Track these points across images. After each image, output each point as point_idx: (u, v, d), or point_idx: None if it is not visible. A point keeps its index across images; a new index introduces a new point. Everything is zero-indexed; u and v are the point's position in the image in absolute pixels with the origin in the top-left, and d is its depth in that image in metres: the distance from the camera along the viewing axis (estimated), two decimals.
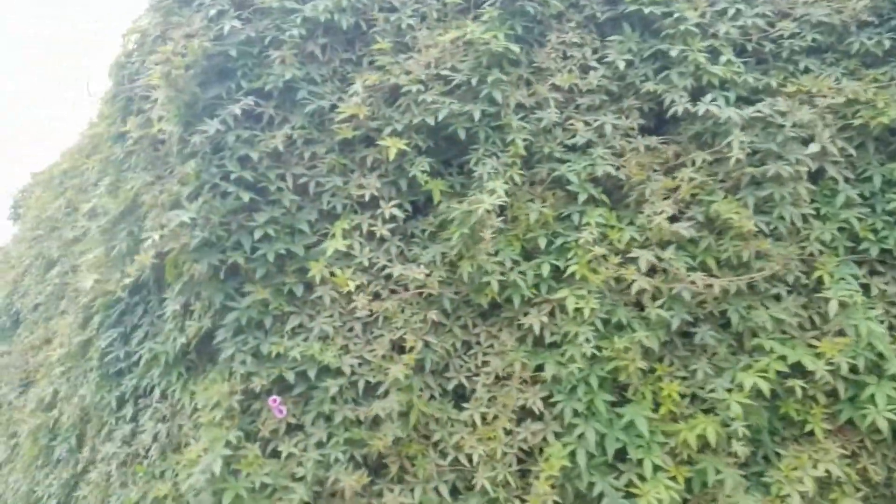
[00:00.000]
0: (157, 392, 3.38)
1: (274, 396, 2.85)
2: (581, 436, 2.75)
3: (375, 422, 2.88)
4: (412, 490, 2.85)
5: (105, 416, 3.77)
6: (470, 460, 2.85)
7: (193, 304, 3.17)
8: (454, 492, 2.88)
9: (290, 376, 2.87)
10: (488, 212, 2.72)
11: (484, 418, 2.91)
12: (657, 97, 3.17)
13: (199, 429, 3.14)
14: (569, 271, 2.87)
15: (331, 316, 2.97)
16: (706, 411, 2.85)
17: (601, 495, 2.72)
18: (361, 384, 2.89)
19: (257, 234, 2.94)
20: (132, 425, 3.61)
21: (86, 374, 4.23)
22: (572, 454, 2.74)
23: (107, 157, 4.00)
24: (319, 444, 2.84)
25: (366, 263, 2.99)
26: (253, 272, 2.98)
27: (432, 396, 2.98)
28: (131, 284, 3.20)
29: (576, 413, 2.79)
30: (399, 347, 2.94)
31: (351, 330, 2.99)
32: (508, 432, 2.88)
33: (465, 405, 2.94)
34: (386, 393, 2.88)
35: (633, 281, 2.86)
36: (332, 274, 2.92)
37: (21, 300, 6.46)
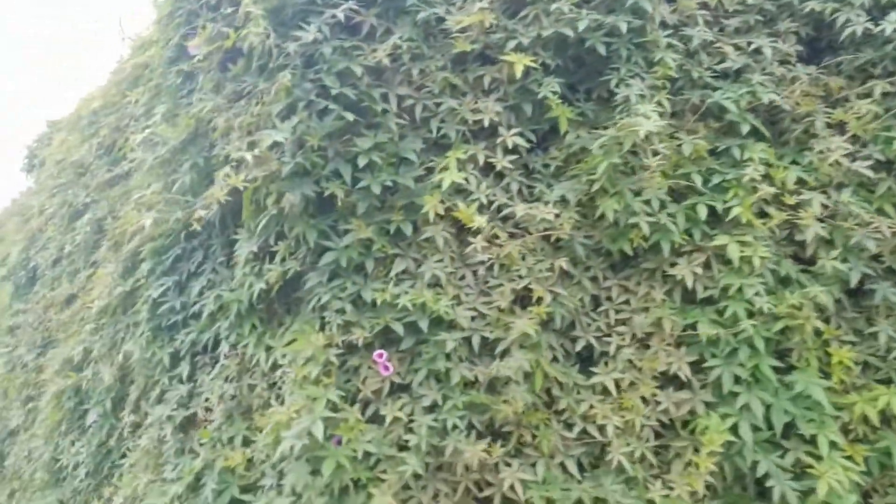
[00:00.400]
0: (223, 347, 2.95)
1: (379, 350, 2.43)
2: (745, 406, 2.33)
3: (491, 385, 2.46)
4: (534, 465, 2.43)
5: (156, 375, 3.34)
6: (601, 432, 2.45)
7: (274, 245, 2.72)
8: (581, 468, 2.48)
9: (398, 328, 2.44)
10: (648, 137, 2.28)
11: (618, 385, 2.49)
12: (818, 19, 2.72)
13: (280, 388, 2.72)
14: (731, 214, 2.44)
15: (441, 261, 2.54)
16: (883, 381, 2.44)
17: (766, 476, 2.32)
18: (477, 340, 2.47)
19: (361, 162, 2.49)
20: (189, 386, 3.18)
21: (128, 328, 3.79)
22: (732, 428, 2.33)
23: (158, 85, 3.53)
24: (430, 409, 2.42)
25: (483, 201, 2.55)
26: (352, 207, 2.54)
27: (555, 358, 2.56)
28: (204, 219, 2.75)
29: (737, 380, 2.37)
30: (521, 300, 2.52)
31: (463, 278, 2.57)
32: (646, 402, 2.47)
33: (593, 369, 2.53)
34: (505, 352, 2.45)
35: (802, 227, 2.44)
36: (449, 210, 2.48)
37: (40, 254, 6.00)
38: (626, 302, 2.57)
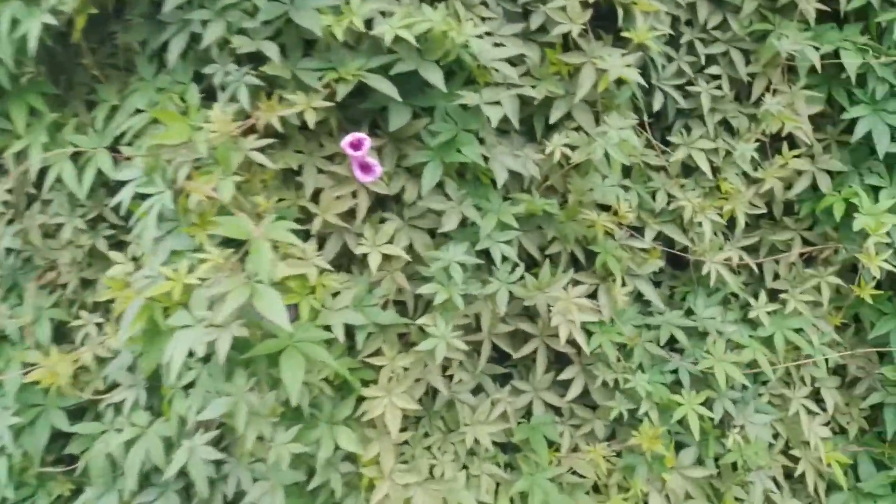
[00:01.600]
0: None
1: (357, 135, 1.21)
2: None
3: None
4: (593, 296, 1.51)
5: None
6: (685, 234, 1.59)
7: None
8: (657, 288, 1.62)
9: (383, 86, 1.23)
10: None
11: (711, 161, 1.61)
12: None
13: (125, 229, 1.41)
14: None
15: None
16: None
17: None
18: (513, 105, 1.36)
19: None
20: None
21: None
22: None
23: None
24: (436, 232, 1.33)
25: None
26: None
27: None
28: None
29: None
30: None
31: None
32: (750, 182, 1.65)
33: (670, 138, 1.60)
34: (565, 117, 1.39)
35: None
36: None
37: None
38: None
